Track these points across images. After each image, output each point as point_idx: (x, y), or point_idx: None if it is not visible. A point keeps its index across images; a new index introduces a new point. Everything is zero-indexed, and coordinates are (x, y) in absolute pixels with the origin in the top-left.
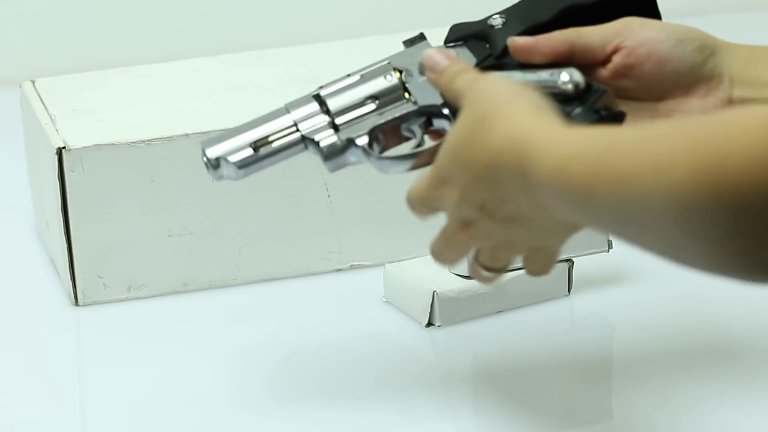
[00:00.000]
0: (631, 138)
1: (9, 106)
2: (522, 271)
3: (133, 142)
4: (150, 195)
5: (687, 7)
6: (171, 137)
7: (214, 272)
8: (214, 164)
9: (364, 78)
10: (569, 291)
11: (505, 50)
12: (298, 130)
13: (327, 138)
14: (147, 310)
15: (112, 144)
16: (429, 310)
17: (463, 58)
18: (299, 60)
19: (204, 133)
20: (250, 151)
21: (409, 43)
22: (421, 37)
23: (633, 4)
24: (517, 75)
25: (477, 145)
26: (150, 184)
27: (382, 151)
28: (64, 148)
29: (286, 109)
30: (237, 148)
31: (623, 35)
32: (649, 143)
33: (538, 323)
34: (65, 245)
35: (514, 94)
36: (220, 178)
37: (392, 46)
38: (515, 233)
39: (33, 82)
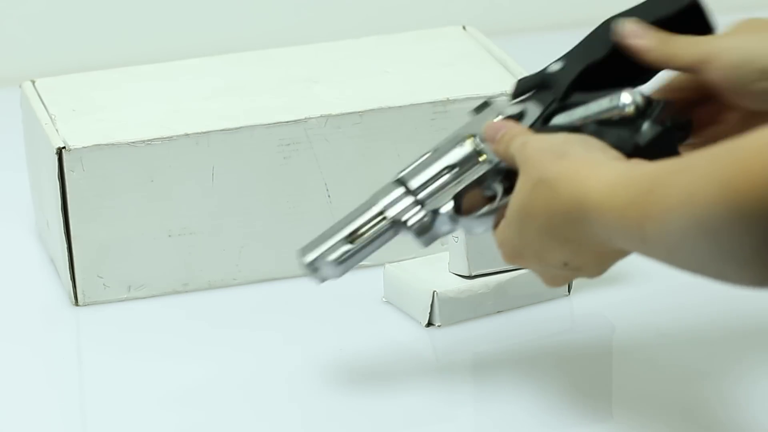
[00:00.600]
0: (666, 172)
1: (9, 106)
2: (522, 271)
3: (133, 142)
4: (150, 195)
5: None
6: (171, 137)
7: (214, 272)
8: (313, 267)
9: (439, 151)
10: (569, 291)
11: (567, 92)
12: (385, 217)
13: (414, 216)
14: (147, 310)
15: (112, 144)
16: (429, 310)
17: (531, 110)
18: (299, 60)
19: (204, 133)
20: (344, 246)
21: (477, 110)
22: (487, 104)
23: (687, 23)
24: (579, 112)
25: (540, 212)
26: (150, 184)
27: (467, 214)
28: (64, 148)
29: (374, 200)
30: (331, 247)
31: (701, 71)
32: (679, 177)
33: (538, 323)
34: (65, 245)
35: (561, 153)
36: (323, 279)
37: (392, 46)
38: (604, 266)
39: (33, 82)
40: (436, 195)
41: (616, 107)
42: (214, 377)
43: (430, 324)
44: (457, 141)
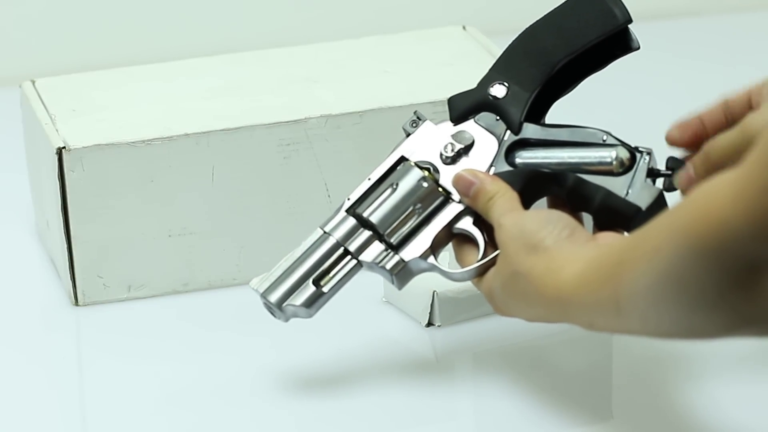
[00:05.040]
0: (632, 241)
1: (9, 106)
2: None
3: (133, 142)
4: (150, 195)
5: (687, 7)
6: (171, 137)
7: (214, 272)
8: (280, 308)
9: (399, 188)
10: None
11: (521, 124)
12: (349, 253)
13: (391, 260)
14: (147, 310)
15: (112, 144)
16: (429, 310)
17: (482, 139)
18: (299, 60)
19: (204, 133)
20: (312, 288)
21: (411, 126)
22: (419, 118)
23: (614, 42)
24: (554, 156)
25: (521, 301)
26: (150, 184)
27: (435, 250)
28: (64, 148)
29: (326, 233)
30: (299, 289)
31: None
32: (643, 240)
33: (538, 323)
34: (65, 245)
35: (532, 246)
36: (290, 318)
37: (392, 46)
38: None
39: (33, 82)
40: (410, 239)
41: (599, 160)
42: (214, 377)
43: (430, 324)
44: (415, 176)
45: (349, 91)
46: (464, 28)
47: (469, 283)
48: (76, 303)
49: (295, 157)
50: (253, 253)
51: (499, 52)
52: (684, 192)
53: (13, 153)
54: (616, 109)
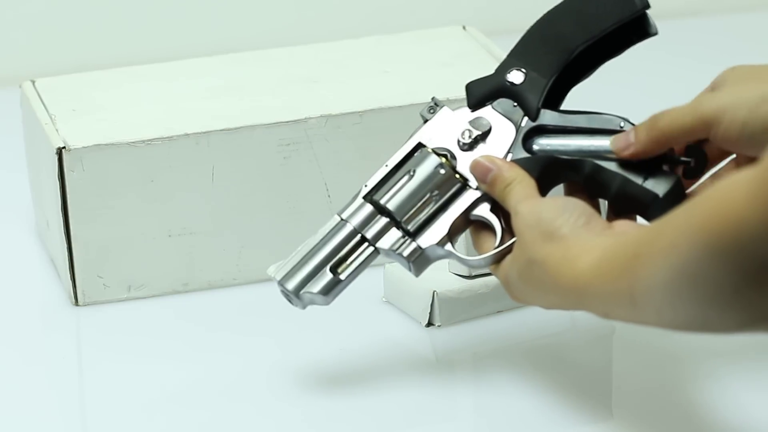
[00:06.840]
0: (648, 234)
1: (9, 106)
2: None
3: (133, 142)
4: (150, 195)
5: (687, 7)
6: (171, 137)
7: (214, 272)
8: (297, 295)
9: (416, 174)
10: None
11: (538, 111)
12: (366, 240)
13: (408, 247)
14: (147, 310)
15: (112, 144)
16: (429, 310)
17: (499, 125)
18: (299, 60)
19: (204, 133)
20: (330, 276)
21: (428, 112)
22: (437, 104)
23: (632, 27)
24: (571, 144)
25: (537, 288)
26: (150, 184)
27: (452, 236)
28: (64, 148)
29: (344, 220)
30: (316, 277)
31: (709, 133)
32: (659, 234)
33: (538, 323)
34: (65, 245)
35: (549, 234)
36: (307, 305)
37: (392, 46)
38: None
39: (33, 82)
40: (427, 226)
41: (611, 150)
42: (214, 377)
43: (430, 324)
44: (432, 162)
45: (349, 91)
46: (464, 28)
47: (469, 283)
48: (76, 303)
49: (295, 157)
50: (253, 253)
51: (499, 52)
52: (617, 152)
53: (13, 153)
54: (622, 101)
